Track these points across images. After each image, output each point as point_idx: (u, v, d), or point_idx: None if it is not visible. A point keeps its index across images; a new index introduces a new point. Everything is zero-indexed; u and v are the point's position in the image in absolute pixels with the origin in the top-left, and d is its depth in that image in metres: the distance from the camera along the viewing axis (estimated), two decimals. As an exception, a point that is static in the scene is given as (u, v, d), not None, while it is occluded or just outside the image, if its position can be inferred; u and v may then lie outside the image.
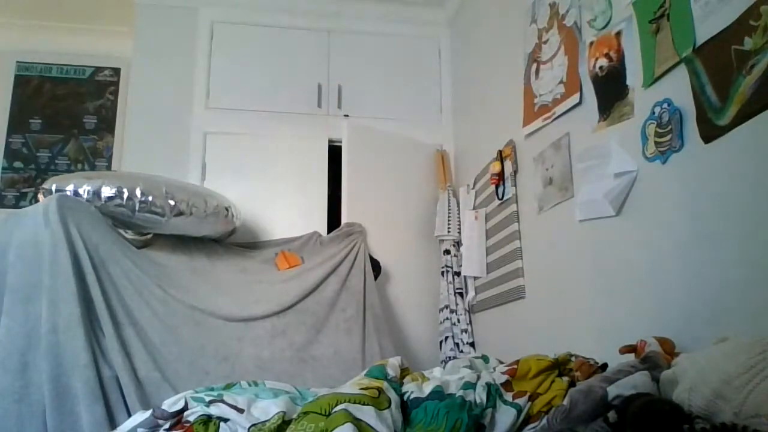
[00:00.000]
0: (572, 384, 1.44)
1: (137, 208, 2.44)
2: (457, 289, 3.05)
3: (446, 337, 2.97)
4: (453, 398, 1.41)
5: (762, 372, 0.93)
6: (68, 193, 2.35)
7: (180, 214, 2.53)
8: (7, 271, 2.14)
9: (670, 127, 1.53)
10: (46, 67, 3.80)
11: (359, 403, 1.34)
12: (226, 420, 1.41)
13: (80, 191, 2.36)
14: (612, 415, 1.06)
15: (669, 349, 1.35)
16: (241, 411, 1.42)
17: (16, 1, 3.58)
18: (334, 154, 3.33)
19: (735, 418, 0.91)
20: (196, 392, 1.55)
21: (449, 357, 2.88)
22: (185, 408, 1.46)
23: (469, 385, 1.46)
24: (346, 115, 3.39)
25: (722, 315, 1.35)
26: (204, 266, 2.67)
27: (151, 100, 3.31)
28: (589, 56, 1.95)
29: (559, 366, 1.54)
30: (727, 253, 1.34)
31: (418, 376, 1.63)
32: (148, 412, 1.49)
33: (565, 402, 1.20)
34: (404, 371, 1.65)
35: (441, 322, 3.03)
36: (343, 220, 3.06)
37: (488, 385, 1.46)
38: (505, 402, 1.43)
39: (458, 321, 2.99)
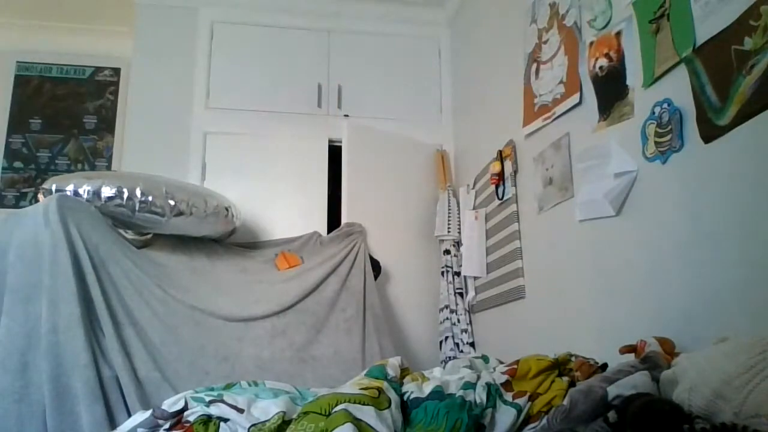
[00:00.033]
0: (572, 384, 1.44)
1: (137, 208, 2.44)
2: (457, 289, 3.05)
3: (446, 337, 2.97)
4: (453, 398, 1.41)
5: (762, 372, 0.93)
6: (68, 193, 2.35)
7: (180, 214, 2.53)
8: (7, 271, 2.14)
9: (670, 127, 1.53)
10: (46, 67, 3.80)
11: (359, 403, 1.34)
12: (226, 420, 1.41)
13: (80, 191, 2.36)
14: (612, 415, 1.06)
15: (669, 349, 1.35)
16: (241, 411, 1.42)
17: (16, 1, 3.57)
18: (334, 154, 3.33)
19: (735, 418, 0.91)
20: (196, 392, 1.55)
21: (449, 357, 2.88)
22: (185, 408, 1.46)
23: (469, 385, 1.46)
24: (346, 115, 3.39)
25: (722, 315, 1.35)
26: (204, 266, 2.67)
27: (151, 100, 3.31)
28: (589, 56, 1.95)
29: (559, 366, 1.54)
30: (727, 253, 1.34)
31: (418, 376, 1.63)
32: (148, 412, 1.49)
33: (565, 402, 1.20)
34: (404, 371, 1.65)
35: (441, 322, 3.03)
36: (343, 220, 3.06)
37: (488, 385, 1.46)
38: (505, 402, 1.43)
39: (458, 321, 2.99)
